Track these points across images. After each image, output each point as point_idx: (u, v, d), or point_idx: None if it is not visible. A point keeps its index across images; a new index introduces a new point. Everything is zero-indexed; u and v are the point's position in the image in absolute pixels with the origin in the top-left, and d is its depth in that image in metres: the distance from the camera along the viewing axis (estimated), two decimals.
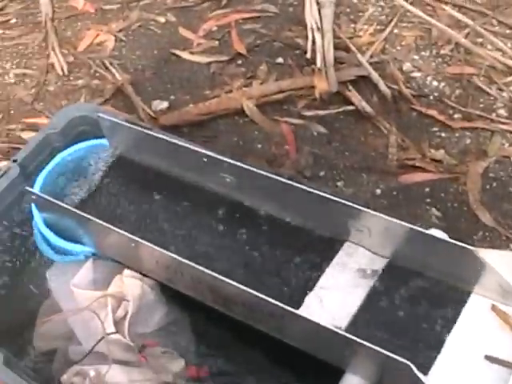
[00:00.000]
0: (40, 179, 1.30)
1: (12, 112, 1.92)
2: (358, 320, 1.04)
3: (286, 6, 2.09)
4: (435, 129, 1.75)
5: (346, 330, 1.01)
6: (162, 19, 2.11)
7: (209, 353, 1.22)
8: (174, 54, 2.02)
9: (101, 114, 1.29)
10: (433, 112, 1.77)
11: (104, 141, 1.35)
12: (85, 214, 1.14)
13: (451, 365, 0.97)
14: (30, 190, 1.21)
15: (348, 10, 2.04)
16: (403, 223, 1.02)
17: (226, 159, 1.15)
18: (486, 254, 0.97)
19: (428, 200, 1.61)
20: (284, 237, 1.16)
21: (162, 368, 1.13)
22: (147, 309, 1.15)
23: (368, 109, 1.77)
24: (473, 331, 1.00)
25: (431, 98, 1.82)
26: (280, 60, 1.95)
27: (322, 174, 1.67)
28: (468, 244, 0.98)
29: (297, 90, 1.82)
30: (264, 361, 1.21)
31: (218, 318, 1.12)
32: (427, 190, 1.63)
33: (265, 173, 1.11)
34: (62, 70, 2.00)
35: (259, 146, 1.74)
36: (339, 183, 1.64)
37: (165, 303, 1.18)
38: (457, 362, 0.97)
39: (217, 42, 2.02)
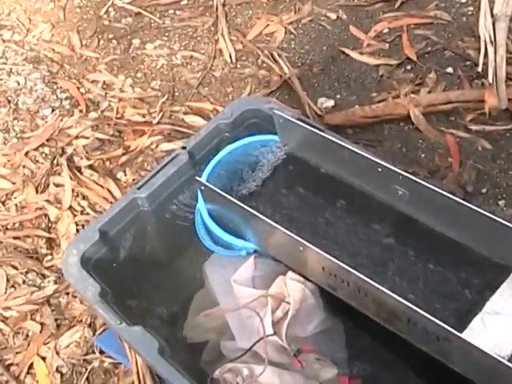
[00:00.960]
0: (208, 169, 1.36)
1: (177, 94, 2.03)
2: None
3: (460, 15, 2.11)
4: None
5: (510, 360, 1.04)
6: (333, 15, 2.17)
7: (361, 364, 1.26)
8: (342, 52, 2.08)
9: (276, 111, 1.35)
10: None
11: (275, 137, 1.40)
12: (252, 210, 1.20)
13: None
14: (200, 179, 1.29)
15: None
16: None
17: (400, 171, 1.20)
18: None
19: None
20: (452, 256, 1.19)
21: (314, 374, 1.17)
22: (306, 313, 1.21)
23: None
24: None
25: None
26: (450, 70, 1.99)
27: (483, 190, 1.70)
28: None
29: (465, 103, 1.85)
30: (417, 380, 1.24)
31: (372, 328, 1.16)
32: None
33: (438, 189, 1.15)
34: (230, 56, 2.09)
35: (423, 155, 1.78)
36: (501, 202, 1.67)
37: (323, 309, 1.23)
38: None
39: (387, 45, 2.06)
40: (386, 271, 1.21)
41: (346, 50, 2.09)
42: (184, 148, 1.43)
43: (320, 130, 1.36)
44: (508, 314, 1.12)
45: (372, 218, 1.29)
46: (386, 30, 2.13)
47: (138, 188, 1.38)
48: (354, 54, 2.07)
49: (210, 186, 1.29)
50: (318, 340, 1.23)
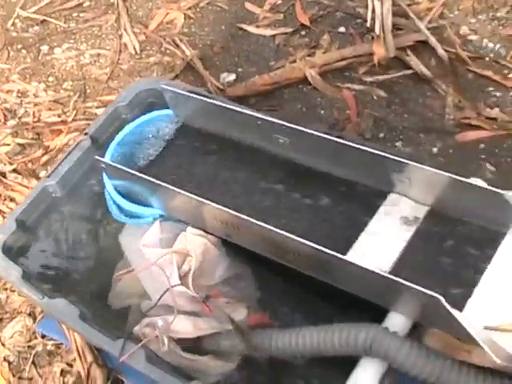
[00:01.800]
0: (110, 149, 1.48)
1: (88, 91, 2.14)
2: (401, 264, 1.19)
3: None
4: (490, 88, 1.90)
5: (390, 273, 1.17)
6: None
7: (271, 301, 1.37)
8: (240, 29, 2.21)
9: (163, 86, 1.47)
10: (488, 72, 1.92)
11: (169, 111, 1.52)
12: (151, 179, 1.31)
13: (486, 300, 1.11)
14: (100, 158, 1.40)
15: None
16: (441, 172, 1.16)
17: (278, 121, 1.32)
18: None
19: (483, 156, 1.76)
20: (335, 190, 1.32)
21: (226, 317, 1.29)
22: (210, 263, 1.32)
23: (426, 72, 1.92)
24: (507, 269, 1.13)
25: (487, 59, 1.97)
26: (342, 29, 2.12)
27: (381, 135, 1.84)
28: None
29: (357, 57, 2.00)
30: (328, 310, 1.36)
31: (279, 268, 1.27)
32: (482, 146, 1.78)
33: (314, 132, 1.28)
34: (135, 48, 2.21)
35: (322, 111, 1.92)
36: (398, 143, 1.80)
37: (227, 257, 1.34)
38: (490, 298, 1.11)
39: (281, 15, 2.20)
40: (277, 213, 1.33)
41: (244, 26, 2.22)
42: (86, 134, 1.54)
43: (206, 96, 1.48)
44: (384, 234, 1.25)
45: (261, 168, 1.41)
46: (280, 2, 2.26)
47: (48, 176, 1.49)
48: (251, 29, 2.20)
49: (111, 163, 1.41)
50: (226, 286, 1.35)
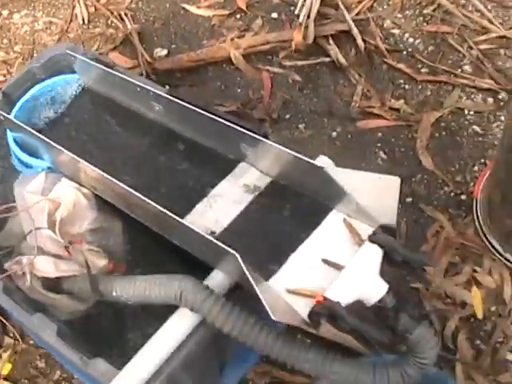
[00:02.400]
0: (18, 105, 1.61)
1: (35, 55, 2.26)
2: (233, 227, 1.31)
3: None
4: (401, 81, 2.00)
5: (222, 235, 1.29)
6: None
7: (136, 254, 1.48)
8: (183, 8, 2.32)
9: (68, 51, 1.60)
10: (401, 65, 2.01)
11: (76, 76, 1.65)
12: (38, 134, 1.44)
13: (297, 267, 1.22)
14: (2, 113, 1.53)
15: None
16: (283, 149, 1.26)
17: (153, 90, 1.44)
18: (341, 174, 1.19)
19: (378, 144, 1.86)
20: (195, 156, 1.44)
21: (83, 262, 1.40)
22: (79, 213, 1.44)
23: (342, 60, 2.03)
24: (325, 241, 1.24)
25: (404, 53, 2.06)
26: (275, 15, 2.23)
27: (287, 116, 1.95)
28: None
29: (281, 43, 2.09)
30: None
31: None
32: (380, 135, 1.88)
33: (180, 102, 1.40)
34: (83, 19, 2.34)
35: (239, 90, 2.03)
36: (301, 125, 1.92)
37: (96, 210, 1.46)
38: (301, 266, 1.22)
39: None
40: (140, 172, 1.46)
41: (186, 6, 2.34)
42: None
43: (107, 65, 1.61)
44: (225, 198, 1.36)
45: (139, 131, 1.54)
46: None
47: None
48: (192, 9, 2.32)
49: (10, 117, 1.54)
50: (93, 235, 1.46)
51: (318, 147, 1.89)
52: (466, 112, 1.91)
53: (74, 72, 1.68)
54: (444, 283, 1.60)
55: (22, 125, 1.49)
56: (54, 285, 1.39)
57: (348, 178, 1.19)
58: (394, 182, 1.11)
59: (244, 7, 2.27)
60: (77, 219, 1.43)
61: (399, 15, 2.17)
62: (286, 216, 1.33)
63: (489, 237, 1.64)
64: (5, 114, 1.53)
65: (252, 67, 2.09)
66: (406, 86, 1.99)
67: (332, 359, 1.12)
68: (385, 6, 2.20)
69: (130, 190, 1.27)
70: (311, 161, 1.24)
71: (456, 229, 1.68)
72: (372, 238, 1.18)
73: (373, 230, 1.21)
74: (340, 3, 2.17)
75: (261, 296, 1.05)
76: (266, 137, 1.32)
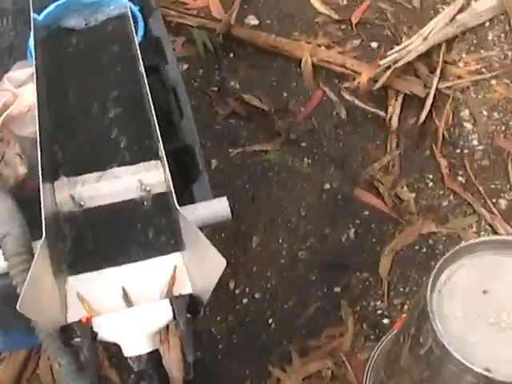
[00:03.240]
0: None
1: None
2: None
3: None
4: (430, 176, 1.88)
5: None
6: None
7: None
8: None
9: None
10: (443, 161, 1.91)
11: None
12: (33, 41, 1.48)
13: (104, 279, 1.20)
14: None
15: None
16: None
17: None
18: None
19: (357, 220, 1.77)
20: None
21: None
22: (28, 120, 1.45)
23: (394, 123, 1.99)
24: (146, 273, 1.20)
25: (458, 151, 1.93)
26: (374, 44, 2.20)
27: (303, 144, 1.93)
28: None
29: (353, 72, 2.04)
30: None
31: None
32: (365, 212, 1.78)
33: None
34: None
35: (285, 94, 2.06)
36: (307, 160, 1.87)
37: None
38: (110, 280, 1.20)
39: None
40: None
41: None
42: None
43: None
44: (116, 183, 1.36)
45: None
46: None
47: None
48: None
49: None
50: (27, 145, 1.49)
51: (304, 188, 1.83)
52: None
53: None
54: None
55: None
56: None
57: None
58: (220, 263, 1.07)
59: (354, 21, 2.18)
60: (23, 123, 1.47)
61: (484, 112, 2.01)
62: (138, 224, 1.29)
63: None
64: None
65: (313, 80, 2.03)
66: (430, 184, 1.86)
67: None
68: (479, 96, 2.05)
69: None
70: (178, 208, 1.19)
71: None
72: (174, 301, 1.14)
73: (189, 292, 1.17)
74: (439, 68, 2.04)
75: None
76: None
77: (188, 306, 1.14)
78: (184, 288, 1.17)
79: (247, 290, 1.68)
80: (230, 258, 1.72)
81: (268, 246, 1.75)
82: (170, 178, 1.24)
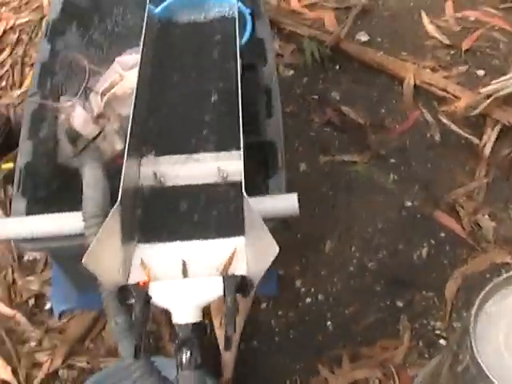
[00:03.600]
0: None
1: None
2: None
3: None
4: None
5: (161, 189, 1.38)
6: None
7: None
8: (419, 14, 2.36)
9: None
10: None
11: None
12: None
13: (171, 249, 1.28)
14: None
15: None
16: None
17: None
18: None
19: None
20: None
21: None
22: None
23: (486, 151, 1.95)
24: (207, 250, 1.28)
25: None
26: (480, 72, 2.19)
27: (392, 160, 1.96)
28: None
29: (454, 97, 2.06)
30: None
31: None
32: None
33: None
34: None
35: (383, 110, 2.11)
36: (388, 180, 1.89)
37: None
38: (176, 251, 1.29)
39: None
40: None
41: (423, 15, 2.34)
42: None
43: None
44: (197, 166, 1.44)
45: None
46: None
47: None
48: (425, 21, 2.34)
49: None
50: (125, 124, 1.60)
51: (385, 202, 1.90)
52: None
53: None
54: None
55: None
56: None
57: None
58: (273, 250, 1.13)
59: (464, 48, 2.21)
60: (125, 104, 1.59)
61: None
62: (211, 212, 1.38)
63: None
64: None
65: (413, 100, 2.07)
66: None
67: None
68: None
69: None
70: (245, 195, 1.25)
71: None
72: (226, 278, 1.21)
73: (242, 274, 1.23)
74: None
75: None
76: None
77: (238, 286, 1.19)
78: (239, 270, 1.24)
79: (312, 290, 1.73)
80: (301, 258, 1.78)
81: (340, 252, 1.79)
82: (242, 167, 1.31)
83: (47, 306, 1.79)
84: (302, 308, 1.71)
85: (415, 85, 2.08)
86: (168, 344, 1.67)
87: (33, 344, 1.73)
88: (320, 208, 1.86)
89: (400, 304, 1.71)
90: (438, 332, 1.66)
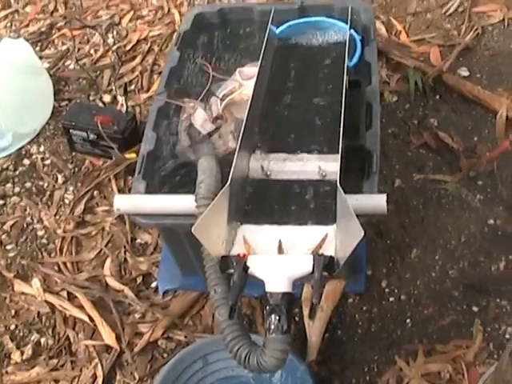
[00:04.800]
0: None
1: None
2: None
3: None
4: None
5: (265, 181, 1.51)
6: None
7: None
8: None
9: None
10: None
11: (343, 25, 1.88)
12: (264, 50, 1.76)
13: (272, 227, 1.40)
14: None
15: None
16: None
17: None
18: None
19: None
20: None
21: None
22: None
23: None
24: (303, 232, 1.40)
25: None
26: None
27: (479, 183, 2.00)
28: None
29: None
30: None
31: None
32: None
33: None
34: None
35: (475, 138, 2.19)
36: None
37: None
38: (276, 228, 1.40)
39: None
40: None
41: None
42: None
43: None
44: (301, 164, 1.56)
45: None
46: None
47: None
48: None
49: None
50: (239, 126, 1.73)
51: (469, 219, 1.97)
52: None
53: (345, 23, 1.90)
54: None
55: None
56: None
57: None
58: (359, 233, 1.23)
59: None
60: (242, 108, 1.74)
61: None
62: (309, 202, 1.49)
63: None
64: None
65: (505, 131, 2.14)
66: None
67: None
68: None
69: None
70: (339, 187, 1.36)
71: None
72: (315, 257, 1.31)
73: (331, 255, 1.33)
74: None
75: None
76: None
77: (326, 265, 1.29)
78: (328, 251, 1.34)
79: (396, 290, 1.84)
80: (388, 262, 1.89)
81: (424, 259, 1.90)
82: (339, 167, 1.42)
83: (153, 285, 1.94)
84: (385, 306, 1.81)
85: (507, 117, 2.16)
86: (261, 328, 1.79)
87: (137, 316, 1.88)
88: (410, 219, 1.97)
89: (475, 309, 1.79)
90: (507, 336, 1.73)
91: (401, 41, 2.51)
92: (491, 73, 2.38)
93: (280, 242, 1.38)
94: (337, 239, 1.37)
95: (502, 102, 2.19)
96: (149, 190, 1.59)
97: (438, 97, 2.31)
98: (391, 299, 1.82)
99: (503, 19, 2.56)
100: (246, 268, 1.29)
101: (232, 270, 1.29)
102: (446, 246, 1.91)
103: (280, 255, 1.36)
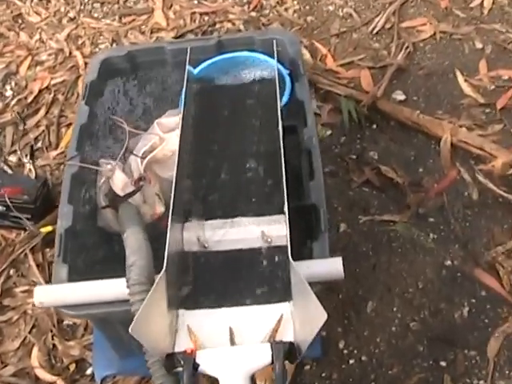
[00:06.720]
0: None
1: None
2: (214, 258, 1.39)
3: None
4: None
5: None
6: None
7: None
8: (453, 74, 2.37)
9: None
10: None
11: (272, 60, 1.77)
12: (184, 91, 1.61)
13: (220, 317, 1.28)
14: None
15: None
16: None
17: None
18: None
19: None
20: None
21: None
22: (171, 163, 1.52)
23: None
24: (253, 316, 1.28)
25: None
26: None
27: (432, 220, 1.92)
28: None
29: (491, 156, 2.04)
30: None
31: None
32: None
33: None
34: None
35: (421, 169, 2.11)
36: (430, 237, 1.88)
37: None
38: (224, 318, 1.28)
39: None
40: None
41: (458, 74, 2.36)
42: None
43: None
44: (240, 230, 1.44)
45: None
46: None
47: None
48: (460, 79, 2.35)
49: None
50: (169, 186, 1.58)
51: (425, 262, 1.88)
52: None
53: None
54: None
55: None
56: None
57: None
58: (321, 316, 1.11)
59: (499, 106, 2.21)
60: (166, 166, 1.61)
61: None
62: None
63: None
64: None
65: (450, 159, 2.06)
66: None
67: None
68: None
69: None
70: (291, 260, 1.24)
71: None
72: (274, 345, 1.19)
73: (290, 341, 1.22)
74: None
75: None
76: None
77: (287, 353, 1.17)
78: (286, 336, 1.23)
79: (355, 351, 1.73)
80: (343, 319, 1.79)
81: (382, 312, 1.79)
82: (288, 232, 1.30)
83: (88, 371, 1.79)
84: (345, 369, 1.71)
85: (452, 144, 2.08)
86: None
87: None
88: (361, 268, 1.87)
89: (443, 363, 1.70)
90: None
91: (327, 66, 2.41)
92: (428, 94, 2.30)
93: (231, 330, 1.26)
94: (295, 320, 1.26)
95: (444, 127, 2.10)
96: (72, 275, 1.44)
97: (374, 126, 2.22)
98: (351, 361, 1.71)
99: (434, 33, 2.50)
100: (195, 365, 1.17)
101: (180, 369, 1.18)
102: (403, 294, 1.81)
103: (233, 347, 1.24)
